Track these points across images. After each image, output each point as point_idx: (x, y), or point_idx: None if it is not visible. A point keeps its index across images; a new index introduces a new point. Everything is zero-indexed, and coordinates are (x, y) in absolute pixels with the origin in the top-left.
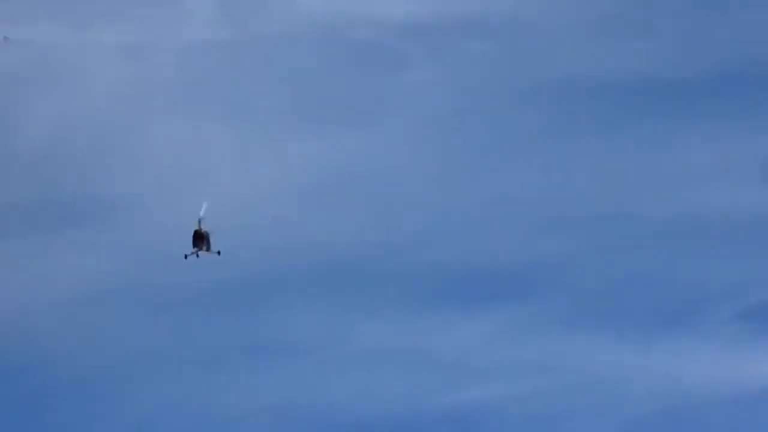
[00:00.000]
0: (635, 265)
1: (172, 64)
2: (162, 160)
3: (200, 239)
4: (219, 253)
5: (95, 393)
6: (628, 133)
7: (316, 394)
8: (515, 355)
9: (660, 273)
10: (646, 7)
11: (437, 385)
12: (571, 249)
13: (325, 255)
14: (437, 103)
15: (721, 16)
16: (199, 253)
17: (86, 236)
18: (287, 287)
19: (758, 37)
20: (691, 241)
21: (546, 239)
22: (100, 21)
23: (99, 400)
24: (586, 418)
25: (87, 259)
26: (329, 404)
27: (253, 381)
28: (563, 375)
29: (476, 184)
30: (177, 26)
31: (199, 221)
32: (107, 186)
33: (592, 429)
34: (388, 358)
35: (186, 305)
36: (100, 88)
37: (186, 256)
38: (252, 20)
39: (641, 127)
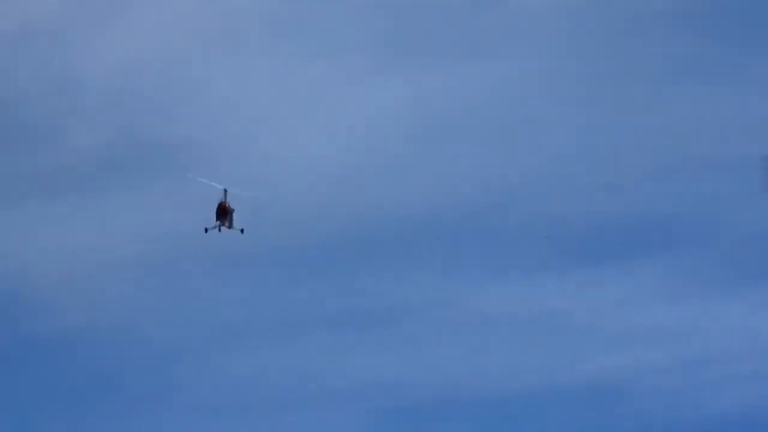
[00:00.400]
0: None
1: None
2: (245, 102)
3: (224, 214)
4: (242, 231)
5: (181, 361)
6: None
7: (432, 366)
8: (656, 318)
9: None
10: None
11: (571, 354)
12: (715, 196)
13: (437, 209)
14: (550, 34)
15: None
16: (221, 228)
17: (160, 188)
18: (393, 246)
19: None
20: None
21: (686, 185)
22: None
23: (183, 370)
24: (740, 388)
25: (160, 213)
26: (446, 379)
27: (354, 352)
28: (714, 340)
29: (600, 123)
30: None
31: (225, 194)
32: (182, 131)
33: (749, 401)
34: (515, 324)
35: (276, 267)
36: (174, 22)
37: (206, 230)
38: None
39: None
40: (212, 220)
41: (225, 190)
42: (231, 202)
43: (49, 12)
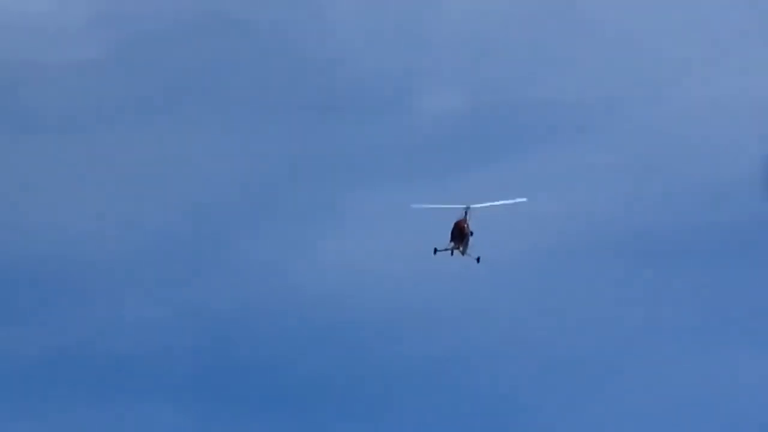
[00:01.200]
0: None
1: None
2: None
3: (460, 236)
4: (478, 260)
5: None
6: None
7: None
8: None
9: None
10: None
11: None
12: None
13: None
14: None
15: None
16: (454, 251)
17: (536, 163)
18: None
19: None
20: None
21: None
22: None
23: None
24: None
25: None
26: None
27: None
28: None
29: None
30: None
31: (466, 212)
32: (557, 91)
33: None
34: None
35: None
36: None
37: (435, 251)
38: None
39: None
40: (448, 240)
41: (467, 209)
42: (470, 224)
43: None
